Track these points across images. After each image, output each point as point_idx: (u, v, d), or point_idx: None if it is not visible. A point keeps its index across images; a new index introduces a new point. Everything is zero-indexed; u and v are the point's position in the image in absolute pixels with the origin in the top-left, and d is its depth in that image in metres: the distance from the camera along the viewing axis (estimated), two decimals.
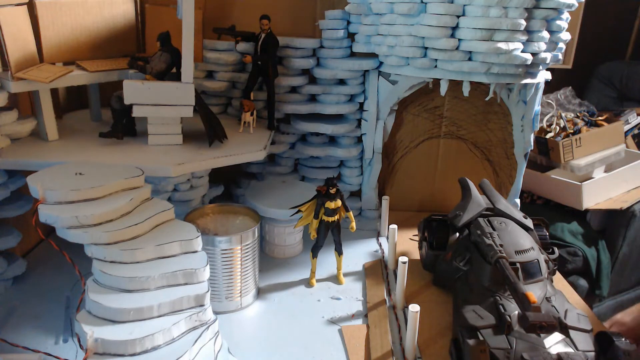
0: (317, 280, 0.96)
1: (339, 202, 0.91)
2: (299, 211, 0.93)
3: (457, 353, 0.72)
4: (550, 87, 1.37)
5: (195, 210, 0.90)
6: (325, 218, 0.91)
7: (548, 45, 0.97)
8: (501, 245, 0.80)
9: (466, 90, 0.99)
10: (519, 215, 0.91)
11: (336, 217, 0.92)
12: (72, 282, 0.90)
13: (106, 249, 0.65)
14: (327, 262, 1.02)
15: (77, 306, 0.72)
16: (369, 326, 0.82)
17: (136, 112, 0.89)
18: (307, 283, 0.95)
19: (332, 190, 0.89)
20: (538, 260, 0.80)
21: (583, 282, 1.82)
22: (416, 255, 1.04)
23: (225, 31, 1.06)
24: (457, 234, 0.92)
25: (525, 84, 1.02)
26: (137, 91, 0.87)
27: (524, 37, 0.93)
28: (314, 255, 0.94)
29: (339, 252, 0.96)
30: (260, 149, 0.95)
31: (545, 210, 1.85)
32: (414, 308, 0.71)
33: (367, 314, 0.86)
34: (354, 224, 0.92)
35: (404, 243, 1.11)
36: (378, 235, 1.15)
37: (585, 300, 0.94)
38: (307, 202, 0.92)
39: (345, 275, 0.98)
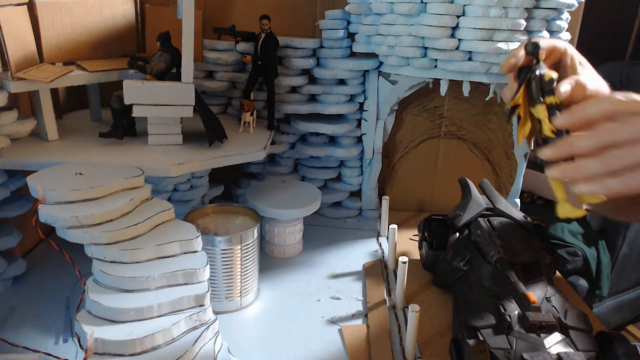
0: (317, 281, 0.96)
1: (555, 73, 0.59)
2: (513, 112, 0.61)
3: (457, 353, 0.72)
4: None
5: (195, 210, 0.90)
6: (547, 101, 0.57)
7: None
8: (501, 246, 0.80)
9: (466, 90, 0.99)
10: (519, 215, 0.91)
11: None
12: (72, 282, 0.90)
13: (106, 249, 0.65)
14: (326, 262, 1.02)
15: (77, 306, 0.72)
16: (369, 326, 0.83)
17: (136, 112, 0.89)
18: (307, 283, 0.95)
19: (542, 56, 0.59)
20: (538, 260, 0.80)
21: (583, 282, 1.82)
22: (416, 255, 1.04)
23: (225, 31, 1.06)
24: (457, 234, 0.92)
25: None
26: (137, 91, 0.87)
27: (524, 37, 0.93)
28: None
29: None
30: (260, 149, 0.95)
31: (546, 210, 1.85)
32: (414, 308, 0.71)
33: (367, 314, 0.86)
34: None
35: (404, 243, 1.11)
36: (378, 235, 1.15)
37: (585, 300, 0.94)
38: (518, 92, 0.60)
39: (345, 275, 0.98)
